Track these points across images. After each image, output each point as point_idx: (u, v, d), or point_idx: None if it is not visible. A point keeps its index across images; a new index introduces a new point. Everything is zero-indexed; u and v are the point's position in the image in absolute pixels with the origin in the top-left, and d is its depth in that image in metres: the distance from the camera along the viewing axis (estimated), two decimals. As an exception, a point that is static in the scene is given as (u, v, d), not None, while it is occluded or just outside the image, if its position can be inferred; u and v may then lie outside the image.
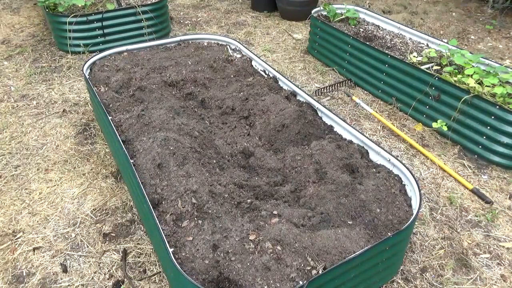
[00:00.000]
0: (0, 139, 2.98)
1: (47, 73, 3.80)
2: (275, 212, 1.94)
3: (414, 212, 1.87)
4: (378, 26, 4.01)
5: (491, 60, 3.14)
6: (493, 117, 2.68)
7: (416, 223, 2.30)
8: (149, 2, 4.25)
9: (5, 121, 3.16)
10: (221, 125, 2.69)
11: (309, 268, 1.66)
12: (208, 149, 2.39)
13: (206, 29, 4.79)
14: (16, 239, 2.25)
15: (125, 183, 2.54)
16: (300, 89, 2.78)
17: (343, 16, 4.05)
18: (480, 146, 2.81)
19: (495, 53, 4.37)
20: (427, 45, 3.63)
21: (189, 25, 4.89)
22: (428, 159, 2.84)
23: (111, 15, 3.99)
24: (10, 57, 4.05)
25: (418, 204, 1.90)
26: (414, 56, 3.33)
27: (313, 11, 4.06)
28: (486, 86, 2.82)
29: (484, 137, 2.77)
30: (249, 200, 2.03)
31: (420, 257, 2.18)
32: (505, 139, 2.67)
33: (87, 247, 2.20)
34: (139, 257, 2.14)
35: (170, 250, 1.66)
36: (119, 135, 2.31)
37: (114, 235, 2.26)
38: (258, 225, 1.85)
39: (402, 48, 3.60)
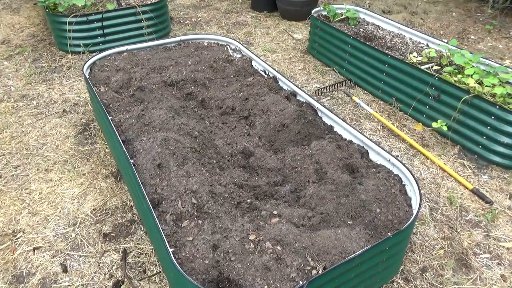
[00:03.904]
0: (0, 139, 2.98)
1: (47, 73, 3.80)
2: (275, 212, 1.94)
3: (414, 212, 1.87)
4: (378, 26, 4.01)
5: (491, 60, 3.14)
6: (493, 117, 2.68)
7: (416, 223, 2.30)
8: (149, 2, 4.25)
9: (5, 121, 3.16)
10: (221, 125, 2.69)
11: (309, 268, 1.66)
12: (208, 149, 2.39)
13: (206, 29, 4.79)
14: (16, 239, 2.25)
15: (125, 183, 2.54)
16: (300, 89, 2.78)
17: (343, 16, 4.05)
18: (480, 146, 2.81)
19: (495, 53, 4.37)
20: (427, 45, 3.63)
21: (189, 25, 4.89)
22: (428, 159, 2.84)
23: (111, 15, 4.00)
24: (10, 57, 4.05)
25: (418, 204, 1.90)
26: (414, 56, 3.33)
27: (313, 11, 4.06)
28: (486, 86, 2.82)
29: (484, 137, 2.77)
30: (249, 200, 2.03)
31: (420, 257, 2.18)
32: (505, 139, 2.67)
33: (87, 247, 2.20)
34: (139, 257, 2.14)
35: (170, 250, 1.66)
36: (119, 135, 2.31)
37: (114, 235, 2.26)
38: (258, 225, 1.85)
39: (402, 48, 3.60)
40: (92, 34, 4.00)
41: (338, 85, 3.66)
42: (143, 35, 4.24)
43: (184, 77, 3.04)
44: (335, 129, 2.55)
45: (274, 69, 3.03)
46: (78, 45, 4.02)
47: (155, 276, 2.05)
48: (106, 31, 4.04)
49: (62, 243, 2.22)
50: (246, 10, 5.34)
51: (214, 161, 2.30)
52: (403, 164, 2.12)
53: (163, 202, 1.95)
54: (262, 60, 3.17)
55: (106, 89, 2.86)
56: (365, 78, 3.57)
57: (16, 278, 2.05)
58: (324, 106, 2.62)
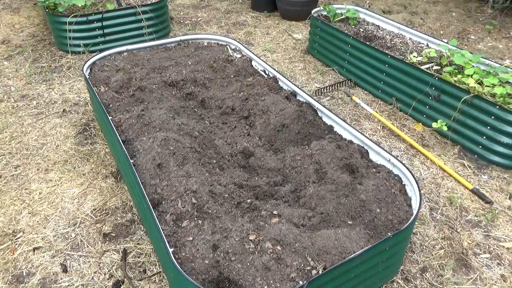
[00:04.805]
0: (0, 139, 2.98)
1: (47, 73, 3.80)
2: (275, 212, 1.94)
3: (414, 212, 1.87)
4: (378, 26, 4.01)
5: (491, 60, 3.14)
6: (493, 117, 2.68)
7: (416, 223, 2.30)
8: (149, 2, 4.25)
9: (5, 121, 3.16)
10: (221, 125, 2.69)
11: (309, 268, 1.66)
12: (208, 149, 2.39)
13: (206, 29, 4.79)
14: (16, 239, 2.25)
15: (125, 183, 2.54)
16: (300, 89, 2.78)
17: (343, 16, 4.05)
18: (480, 146, 2.81)
19: (495, 53, 4.37)
20: (427, 45, 3.63)
21: (189, 25, 4.89)
22: (428, 159, 2.84)
23: (111, 15, 4.00)
24: (10, 57, 4.05)
25: (418, 204, 1.90)
26: (414, 56, 3.33)
27: (313, 11, 4.06)
28: (486, 86, 2.82)
29: (484, 137, 2.77)
30: (249, 200, 2.03)
31: (420, 257, 2.18)
32: (505, 139, 2.67)
33: (87, 247, 2.20)
34: (139, 257, 2.14)
35: (170, 250, 1.66)
36: (119, 135, 2.31)
37: (114, 235, 2.26)
38: (258, 225, 1.85)
39: (402, 48, 3.60)
40: (92, 34, 4.00)
41: (338, 85, 3.66)
42: (143, 35, 4.24)
43: (184, 77, 3.04)
44: (335, 129, 2.55)
45: (274, 69, 3.03)
46: (78, 45, 4.02)
47: (155, 276, 2.05)
48: (106, 31, 4.03)
49: (62, 243, 2.22)
50: (246, 10, 5.34)
51: (214, 161, 2.30)
52: (403, 164, 2.12)
53: (163, 202, 1.95)
54: (262, 60, 3.17)
55: (106, 89, 2.86)
56: (365, 78, 3.57)
57: (16, 278, 2.05)
58: (324, 106, 2.62)
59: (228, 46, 3.49)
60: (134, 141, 2.34)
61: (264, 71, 3.15)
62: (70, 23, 3.85)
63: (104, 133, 2.88)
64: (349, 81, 3.70)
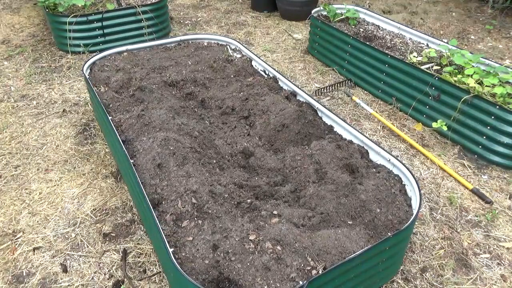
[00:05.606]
0: (0, 139, 2.98)
1: (47, 73, 3.80)
2: (275, 212, 1.94)
3: (414, 212, 1.87)
4: (378, 26, 4.01)
5: (491, 60, 3.14)
6: (493, 117, 2.68)
7: (416, 223, 2.30)
8: (149, 2, 4.25)
9: (5, 121, 3.16)
10: (221, 125, 2.69)
11: (309, 268, 1.66)
12: (208, 149, 2.39)
13: (206, 29, 4.79)
14: (16, 239, 2.25)
15: (125, 183, 2.54)
16: (300, 89, 2.78)
17: (343, 16, 4.05)
18: (480, 146, 2.81)
19: (495, 53, 4.37)
20: (427, 45, 3.63)
21: (189, 25, 4.89)
22: (428, 159, 2.84)
23: (111, 15, 4.00)
24: (10, 57, 4.05)
25: (418, 204, 1.90)
26: (414, 56, 3.33)
27: (313, 11, 4.06)
28: (486, 86, 2.82)
29: (484, 137, 2.77)
30: (249, 200, 2.03)
31: (420, 257, 2.18)
32: (505, 139, 2.67)
33: (87, 247, 2.20)
34: (139, 257, 2.14)
35: (170, 250, 1.66)
36: (119, 135, 2.31)
37: (114, 235, 2.26)
38: (258, 225, 1.85)
39: (402, 48, 3.60)
40: (92, 34, 4.00)
41: (338, 85, 3.66)
42: (143, 35, 4.24)
43: (184, 77, 3.04)
44: (335, 129, 2.55)
45: (274, 69, 3.03)
46: (78, 45, 4.02)
47: (155, 276, 2.05)
48: (106, 31, 4.03)
49: (62, 243, 2.22)
50: (246, 10, 5.34)
51: (214, 161, 2.30)
52: (403, 164, 2.12)
53: (163, 202, 1.95)
54: (262, 60, 3.17)
55: (106, 89, 2.86)
56: (365, 78, 3.57)
57: (16, 278, 2.05)
58: (324, 106, 2.61)
59: (228, 46, 3.49)
60: (134, 141, 2.34)
61: (264, 71, 3.15)
62: (70, 23, 3.85)
63: (104, 133, 2.88)
64: (349, 81, 3.70)
